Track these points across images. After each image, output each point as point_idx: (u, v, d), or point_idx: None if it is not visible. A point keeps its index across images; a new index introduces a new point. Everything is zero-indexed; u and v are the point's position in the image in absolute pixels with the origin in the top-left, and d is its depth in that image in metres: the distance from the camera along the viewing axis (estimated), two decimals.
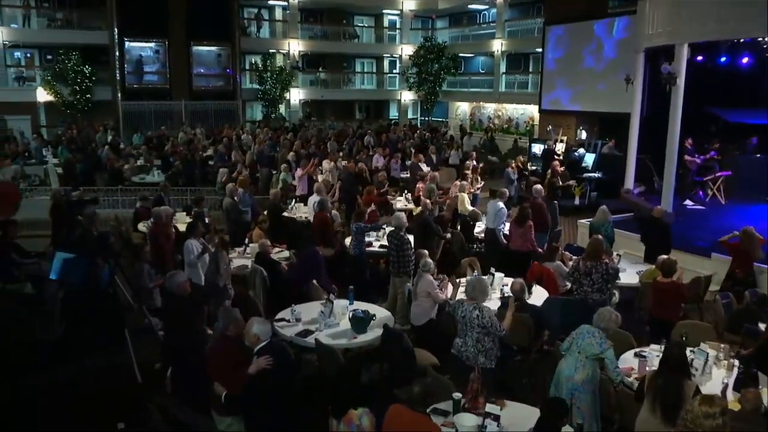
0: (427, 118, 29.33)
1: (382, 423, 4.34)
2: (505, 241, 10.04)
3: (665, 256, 7.49)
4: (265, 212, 10.74)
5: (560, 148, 18.37)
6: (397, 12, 30.49)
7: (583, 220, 12.02)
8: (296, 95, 28.23)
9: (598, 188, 15.70)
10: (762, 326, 6.37)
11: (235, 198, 10.74)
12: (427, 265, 7.21)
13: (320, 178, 13.78)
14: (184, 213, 11.18)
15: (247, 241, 9.52)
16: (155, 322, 6.85)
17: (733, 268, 8.39)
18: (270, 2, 28.18)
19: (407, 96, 30.50)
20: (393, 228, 8.59)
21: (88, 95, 23.52)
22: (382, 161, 16.40)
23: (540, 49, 22.19)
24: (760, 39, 11.38)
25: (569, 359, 5.30)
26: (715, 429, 3.70)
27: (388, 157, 16.85)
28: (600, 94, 19.12)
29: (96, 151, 17.92)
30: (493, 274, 7.98)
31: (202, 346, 5.48)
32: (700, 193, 13.86)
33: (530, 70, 26.19)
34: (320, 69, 29.86)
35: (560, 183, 13.48)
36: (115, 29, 23.40)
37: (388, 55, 31.71)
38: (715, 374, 5.59)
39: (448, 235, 10.23)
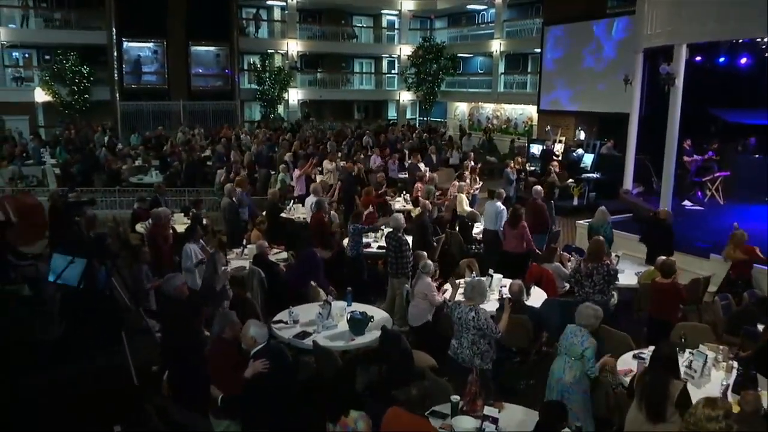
0: (425, 119, 29.32)
1: (380, 425, 4.32)
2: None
3: (664, 257, 7.47)
4: (264, 213, 10.72)
5: (559, 148, 18.36)
6: (396, 12, 30.48)
7: (581, 221, 11.99)
8: (295, 95, 28.21)
9: (597, 189, 15.68)
10: (761, 328, 6.35)
11: (234, 198, 10.71)
12: (427, 267, 7.19)
13: (319, 178, 13.75)
14: (182, 214, 11.16)
15: (245, 242, 9.48)
16: (152, 324, 6.83)
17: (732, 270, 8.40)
18: (268, 2, 28.14)
19: (406, 96, 30.49)
20: (391, 229, 8.57)
21: (86, 95, 23.50)
22: (380, 161, 16.37)
23: (539, 50, 22.18)
24: (759, 39, 11.37)
25: (559, 361, 5.36)
26: None
27: (387, 157, 16.83)
28: (599, 94, 19.12)
29: (94, 151, 17.90)
30: (492, 276, 7.97)
31: (199, 348, 5.46)
32: (699, 193, 13.84)
33: (529, 70, 26.18)
34: (319, 69, 29.85)
35: (558, 183, 13.46)
36: (114, 29, 23.36)
37: (387, 56, 31.70)
38: (714, 376, 5.57)
39: (443, 236, 10.22)
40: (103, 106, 23.94)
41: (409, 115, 31.83)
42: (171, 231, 9.11)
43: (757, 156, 14.44)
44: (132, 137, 21.17)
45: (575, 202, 15.33)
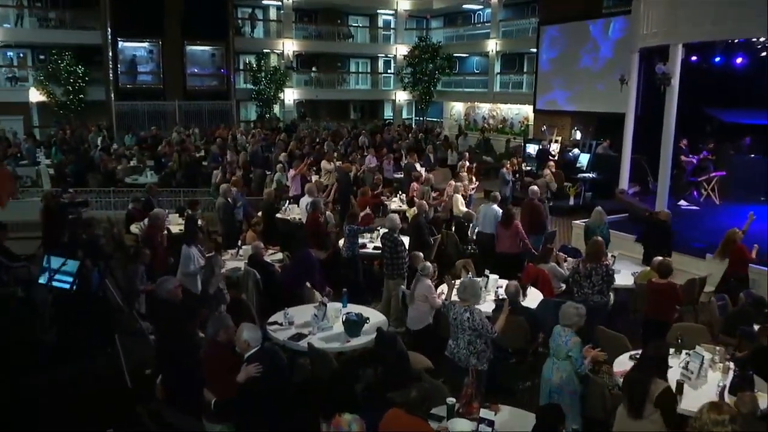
0: (421, 118, 29.27)
1: (376, 427, 4.30)
2: None
3: (660, 258, 7.45)
4: (260, 213, 10.68)
5: (555, 148, 18.35)
6: (392, 12, 30.44)
7: (577, 221, 11.97)
8: (290, 95, 28.13)
9: (593, 188, 15.68)
10: (757, 328, 6.33)
11: (229, 199, 10.66)
12: (426, 269, 7.13)
13: (314, 178, 13.68)
14: (177, 215, 11.10)
15: (240, 243, 9.44)
16: (146, 326, 6.78)
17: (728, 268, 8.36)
18: (264, 2, 28.06)
19: (402, 96, 30.45)
20: (387, 230, 8.52)
21: (81, 95, 23.37)
22: (375, 162, 16.33)
23: (534, 49, 22.17)
24: (755, 39, 11.37)
25: (548, 362, 5.39)
26: None
27: (383, 158, 16.79)
28: (595, 94, 19.09)
29: (88, 151, 17.81)
30: (488, 276, 7.94)
31: (193, 351, 5.42)
32: (695, 193, 13.85)
33: (525, 70, 26.14)
34: (314, 69, 29.78)
35: (552, 183, 13.38)
36: (109, 29, 23.24)
37: (383, 55, 31.65)
38: (711, 377, 5.55)
39: (439, 237, 10.19)
40: (98, 106, 23.81)
41: (405, 115, 31.80)
42: (166, 232, 9.07)
43: (752, 156, 14.45)
44: (126, 137, 21.08)
45: (571, 202, 15.32)
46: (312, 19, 30.06)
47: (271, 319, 6.84)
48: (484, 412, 4.77)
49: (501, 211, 10.05)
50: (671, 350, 5.78)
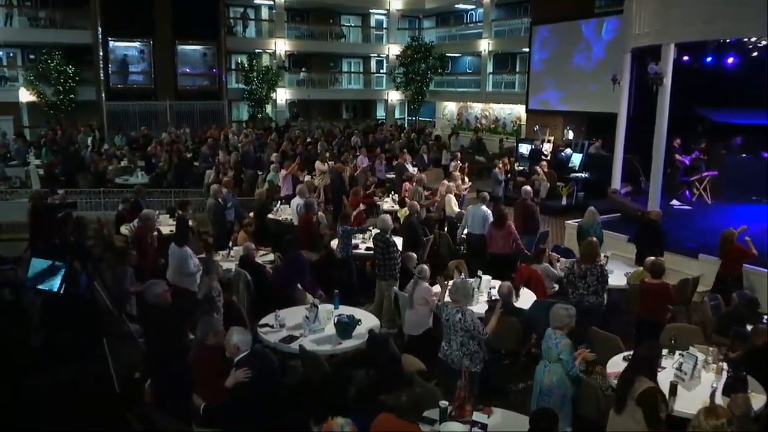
0: (414, 118, 29.24)
1: (368, 431, 4.25)
2: None
3: (653, 258, 7.43)
4: (251, 214, 10.60)
5: (547, 148, 18.36)
6: (384, 12, 30.39)
7: (570, 221, 11.96)
8: (283, 95, 28.04)
9: (585, 188, 15.68)
10: (750, 328, 6.32)
11: (219, 199, 10.58)
12: (423, 272, 7.06)
13: (306, 179, 13.62)
14: (168, 215, 11.01)
15: (231, 244, 9.36)
16: (135, 328, 6.70)
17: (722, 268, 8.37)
18: (256, 1, 27.95)
19: (394, 96, 30.41)
20: (379, 230, 8.47)
21: (72, 95, 23.17)
22: (366, 162, 16.27)
23: (527, 49, 22.18)
24: (746, 39, 11.40)
25: (540, 364, 5.36)
26: None
27: (375, 158, 16.72)
28: (587, 94, 19.11)
29: (78, 152, 17.66)
30: (480, 277, 7.90)
31: (183, 354, 5.35)
32: (687, 193, 13.86)
33: (517, 70, 26.17)
34: (305, 69, 29.67)
35: (543, 183, 13.39)
36: (99, 28, 23.08)
37: (375, 55, 31.60)
38: (705, 378, 5.53)
39: (432, 237, 10.14)
40: (89, 106, 23.64)
41: (397, 115, 31.75)
42: (156, 233, 8.99)
43: (744, 155, 14.50)
44: (117, 138, 20.92)
45: (564, 202, 15.31)
46: (304, 18, 29.97)
47: (262, 321, 6.76)
48: (476, 415, 4.74)
49: (489, 211, 10.02)
50: (665, 351, 5.77)
